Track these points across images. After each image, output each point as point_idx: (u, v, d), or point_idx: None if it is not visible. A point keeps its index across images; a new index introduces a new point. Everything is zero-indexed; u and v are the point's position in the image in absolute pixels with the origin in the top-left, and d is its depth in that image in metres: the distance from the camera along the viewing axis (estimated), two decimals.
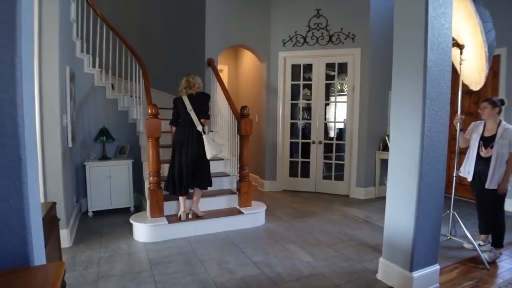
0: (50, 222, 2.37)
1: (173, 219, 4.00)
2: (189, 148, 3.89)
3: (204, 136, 3.92)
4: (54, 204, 2.62)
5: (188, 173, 3.90)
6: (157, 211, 3.96)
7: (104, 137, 4.70)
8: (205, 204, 4.27)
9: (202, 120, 3.94)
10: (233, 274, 3.08)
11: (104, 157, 4.76)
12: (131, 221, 3.93)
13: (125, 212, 4.68)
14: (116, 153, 4.95)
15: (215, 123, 5.47)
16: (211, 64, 5.44)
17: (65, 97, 3.79)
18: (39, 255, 1.52)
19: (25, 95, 1.46)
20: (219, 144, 4.31)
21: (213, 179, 4.38)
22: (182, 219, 3.97)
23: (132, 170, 4.75)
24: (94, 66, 4.81)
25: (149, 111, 3.84)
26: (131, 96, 4.97)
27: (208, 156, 3.93)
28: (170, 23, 6.17)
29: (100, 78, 4.85)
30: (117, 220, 4.47)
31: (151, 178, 3.93)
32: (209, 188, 4.17)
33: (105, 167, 4.62)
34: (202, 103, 3.98)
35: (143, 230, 3.84)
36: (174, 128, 4.07)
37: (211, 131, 5.33)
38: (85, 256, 3.41)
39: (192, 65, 5.79)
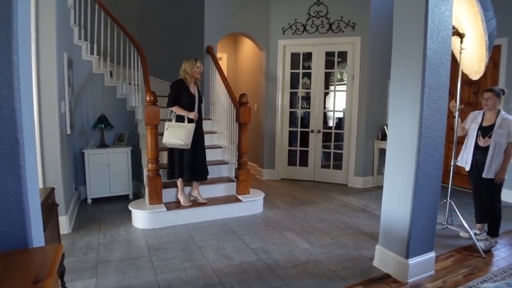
0: (49, 207, 2.38)
1: (172, 206, 4.02)
2: None
3: (165, 123, 3.96)
4: (52, 189, 2.63)
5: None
6: (156, 198, 3.98)
7: (103, 125, 4.70)
8: (204, 191, 4.28)
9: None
10: (230, 260, 3.11)
11: (102, 145, 4.76)
12: (130, 208, 3.96)
13: (123, 199, 4.70)
14: (114, 141, 4.95)
15: (214, 111, 5.46)
16: (210, 51, 5.41)
17: (63, 84, 3.78)
18: (37, 238, 1.54)
19: (22, 80, 1.46)
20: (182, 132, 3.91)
21: (211, 166, 4.41)
22: (187, 204, 4.06)
23: (130, 157, 4.75)
24: (92, 53, 4.77)
25: (148, 98, 3.83)
26: (129, 83, 4.95)
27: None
28: (168, 10, 6.11)
29: (98, 65, 4.83)
30: (116, 207, 4.49)
31: (149, 165, 3.94)
32: (208, 176, 4.20)
33: (104, 154, 4.62)
34: None
35: (141, 217, 3.87)
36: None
37: (209, 119, 5.34)
38: (84, 242, 3.44)
39: (191, 53, 5.72)
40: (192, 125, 3.92)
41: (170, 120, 3.98)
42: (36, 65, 3.26)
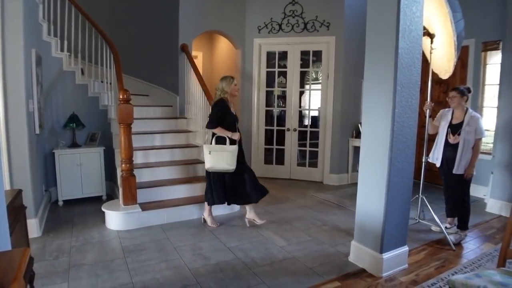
0: (16, 210, 2.28)
1: (147, 206, 3.94)
2: None
3: (204, 146, 3.82)
4: (20, 191, 2.52)
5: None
6: (130, 199, 3.89)
7: (74, 124, 4.55)
8: (179, 191, 4.24)
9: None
10: (207, 260, 3.08)
11: (74, 145, 4.61)
12: (103, 209, 3.86)
13: (97, 201, 4.56)
14: (86, 140, 4.81)
15: (189, 110, 5.40)
16: (185, 49, 5.34)
17: (31, 82, 3.63)
18: (3, 242, 1.47)
19: None
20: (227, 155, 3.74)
21: (187, 166, 4.34)
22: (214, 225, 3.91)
23: (103, 157, 4.63)
24: (62, 50, 4.61)
25: (121, 96, 3.74)
26: (101, 81, 4.81)
27: (205, 167, 3.81)
28: (142, 6, 5.98)
29: (69, 63, 4.67)
30: (88, 208, 4.36)
31: (123, 165, 3.85)
32: (184, 175, 4.13)
33: (75, 154, 4.48)
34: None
35: (115, 218, 3.78)
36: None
37: (185, 118, 5.28)
38: (56, 245, 3.32)
39: (165, 51, 5.67)
40: (235, 147, 3.73)
41: (209, 142, 3.81)
42: (2, 62, 3.12)
